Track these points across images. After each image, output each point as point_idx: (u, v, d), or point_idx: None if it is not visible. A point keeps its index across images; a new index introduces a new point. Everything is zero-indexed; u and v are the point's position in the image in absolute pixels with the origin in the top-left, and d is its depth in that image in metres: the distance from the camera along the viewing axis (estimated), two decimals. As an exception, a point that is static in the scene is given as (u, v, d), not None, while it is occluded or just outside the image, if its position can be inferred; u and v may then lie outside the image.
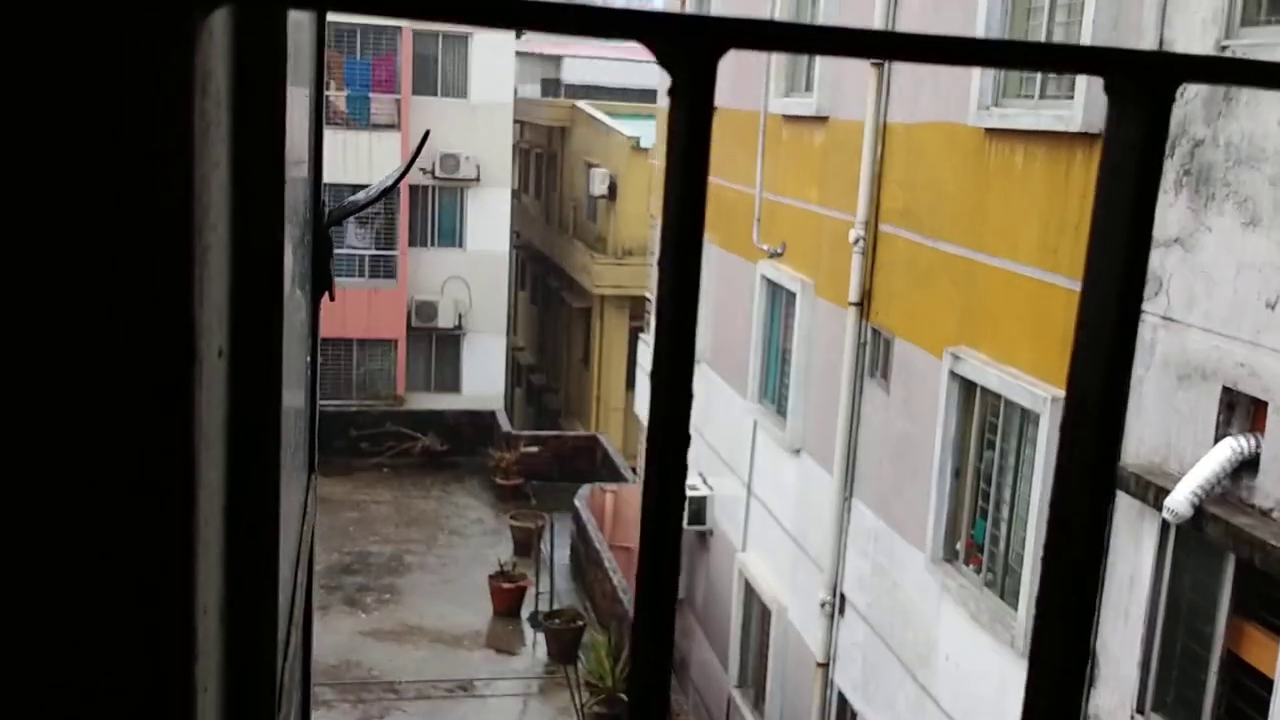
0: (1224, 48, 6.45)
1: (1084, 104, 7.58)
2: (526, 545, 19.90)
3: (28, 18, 0.41)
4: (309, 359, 1.78)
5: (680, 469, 0.47)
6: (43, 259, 0.44)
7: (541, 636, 17.53)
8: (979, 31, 8.83)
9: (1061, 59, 0.50)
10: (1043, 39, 8.40)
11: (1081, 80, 7.63)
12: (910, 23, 10.14)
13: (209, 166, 0.55)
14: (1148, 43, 6.99)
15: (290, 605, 1.30)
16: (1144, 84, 0.46)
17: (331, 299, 1.86)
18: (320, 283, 1.73)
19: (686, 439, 0.48)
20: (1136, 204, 0.47)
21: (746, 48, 0.44)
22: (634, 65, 34.29)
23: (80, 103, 0.43)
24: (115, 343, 0.45)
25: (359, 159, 25.30)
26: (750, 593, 13.65)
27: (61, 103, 0.42)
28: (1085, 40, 7.61)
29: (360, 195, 2.52)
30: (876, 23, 10.45)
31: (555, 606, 17.82)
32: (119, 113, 0.43)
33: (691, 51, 0.42)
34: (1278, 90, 0.51)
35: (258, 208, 0.76)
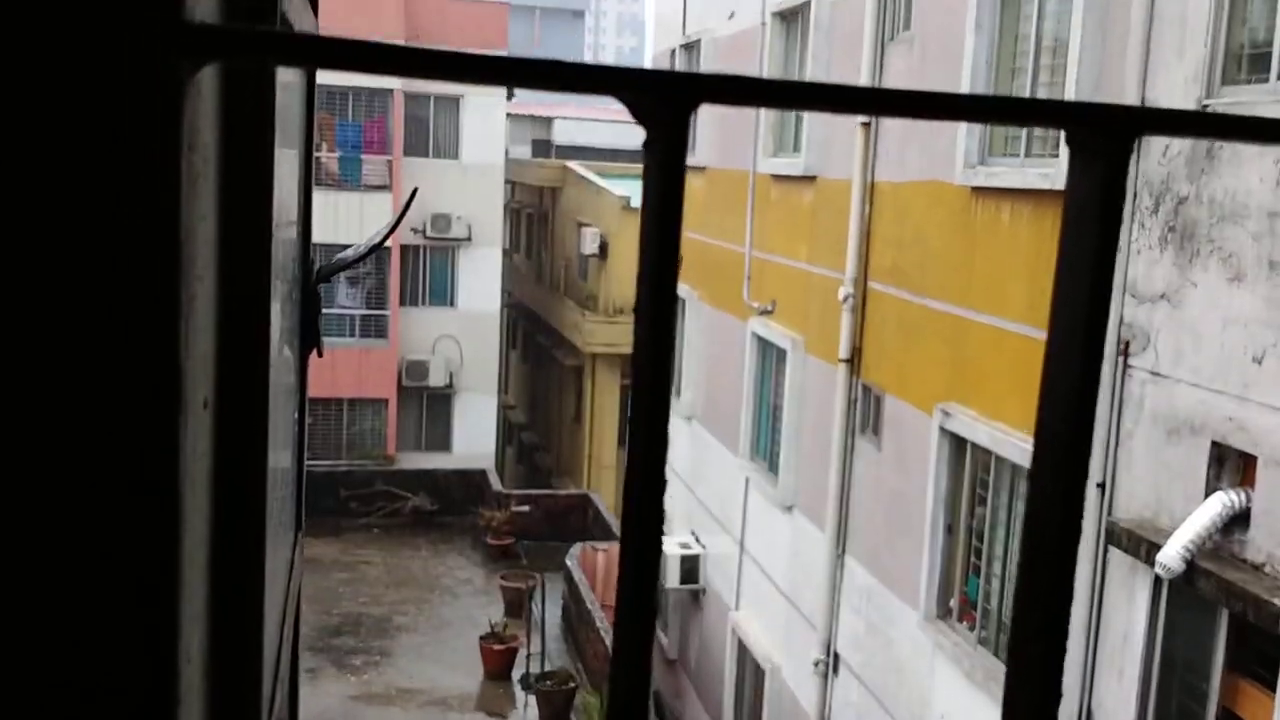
0: (1205, 106, 6.55)
1: (1068, 161, 7.66)
2: (517, 606, 19.73)
3: (18, 69, 0.42)
4: (296, 415, 1.79)
5: (658, 511, 0.47)
6: (32, 302, 0.45)
7: (533, 699, 17.32)
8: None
9: (1023, 112, 0.52)
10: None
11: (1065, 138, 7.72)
12: (896, 82, 10.27)
13: (196, 219, 0.56)
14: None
15: (275, 661, 1.29)
16: (1102, 136, 0.48)
17: (319, 355, 1.87)
18: (309, 339, 1.74)
19: (663, 483, 0.49)
20: (1098, 254, 0.48)
21: (717, 102, 0.45)
22: (624, 126, 34.63)
23: (69, 154, 0.44)
24: (101, 390, 0.46)
25: (350, 220, 25.41)
26: (743, 651, 13.53)
27: (52, 153, 0.43)
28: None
29: (349, 252, 2.53)
30: (864, 83, 10.59)
31: (547, 668, 17.64)
32: (107, 165, 0.45)
33: (664, 105, 0.43)
34: (1233, 141, 0.53)
35: (245, 261, 0.77)
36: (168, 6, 0.47)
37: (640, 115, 0.44)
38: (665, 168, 0.44)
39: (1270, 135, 0.52)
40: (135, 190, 0.45)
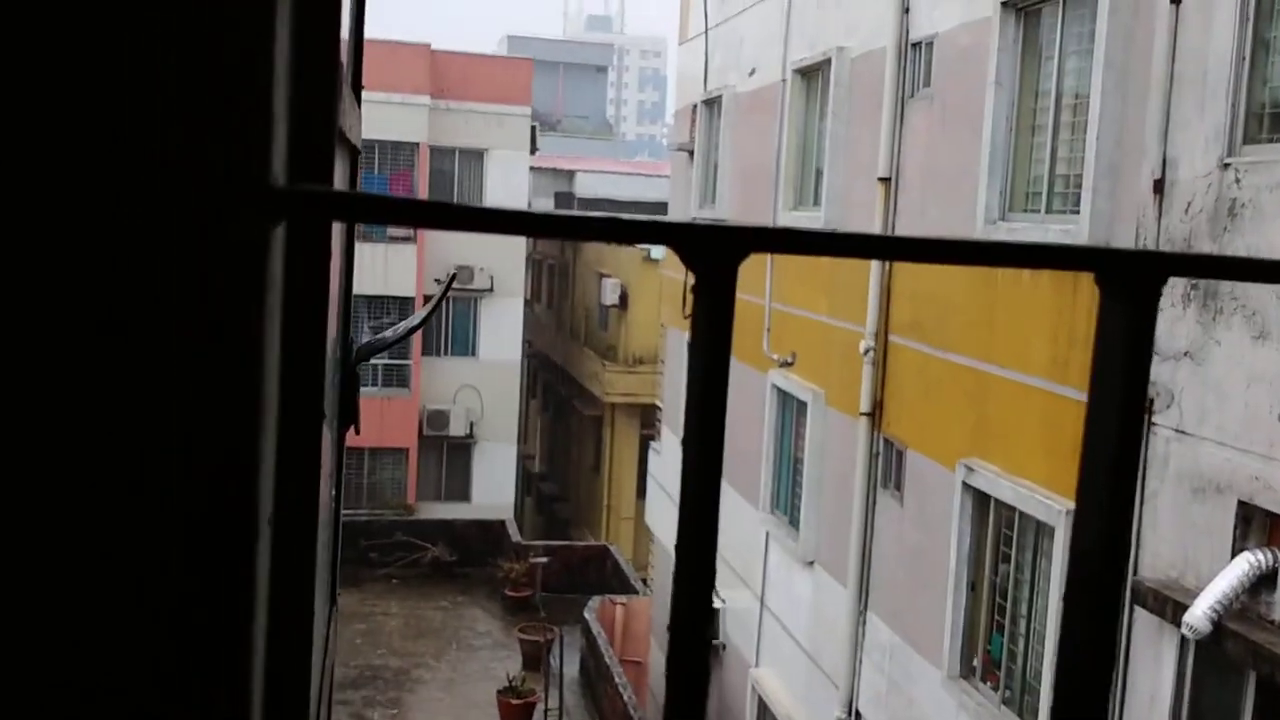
0: (1226, 165, 6.56)
1: (1090, 217, 7.68)
2: (535, 659, 19.61)
3: (119, 231, 0.46)
4: (334, 492, 1.81)
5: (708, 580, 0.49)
6: (132, 452, 0.48)
7: (551, 753, 17.16)
8: (984, 150, 8.99)
9: (1053, 257, 0.54)
10: (1046, 157, 8.56)
11: (1087, 194, 7.75)
12: (917, 142, 10.34)
13: (269, 355, 0.59)
14: (1151, 160, 7.12)
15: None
16: (1131, 278, 0.49)
17: (357, 433, 1.89)
18: (347, 418, 1.77)
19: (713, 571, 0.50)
20: (1127, 389, 0.50)
21: (764, 251, 0.48)
22: (644, 179, 34.89)
23: (167, 315, 0.47)
24: (182, 527, 0.49)
25: (375, 271, 25.63)
26: (764, 709, 13.40)
27: (154, 315, 0.47)
28: (1090, 157, 7.74)
29: (388, 333, 2.57)
30: (883, 145, 10.66)
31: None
32: (197, 321, 0.48)
33: (715, 255, 0.46)
34: (1258, 283, 0.54)
35: (302, 378, 0.79)
36: (257, 171, 0.51)
37: (691, 263, 0.46)
38: (713, 311, 0.46)
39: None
40: (222, 343, 0.48)
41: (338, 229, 1.44)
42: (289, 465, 0.79)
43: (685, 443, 0.49)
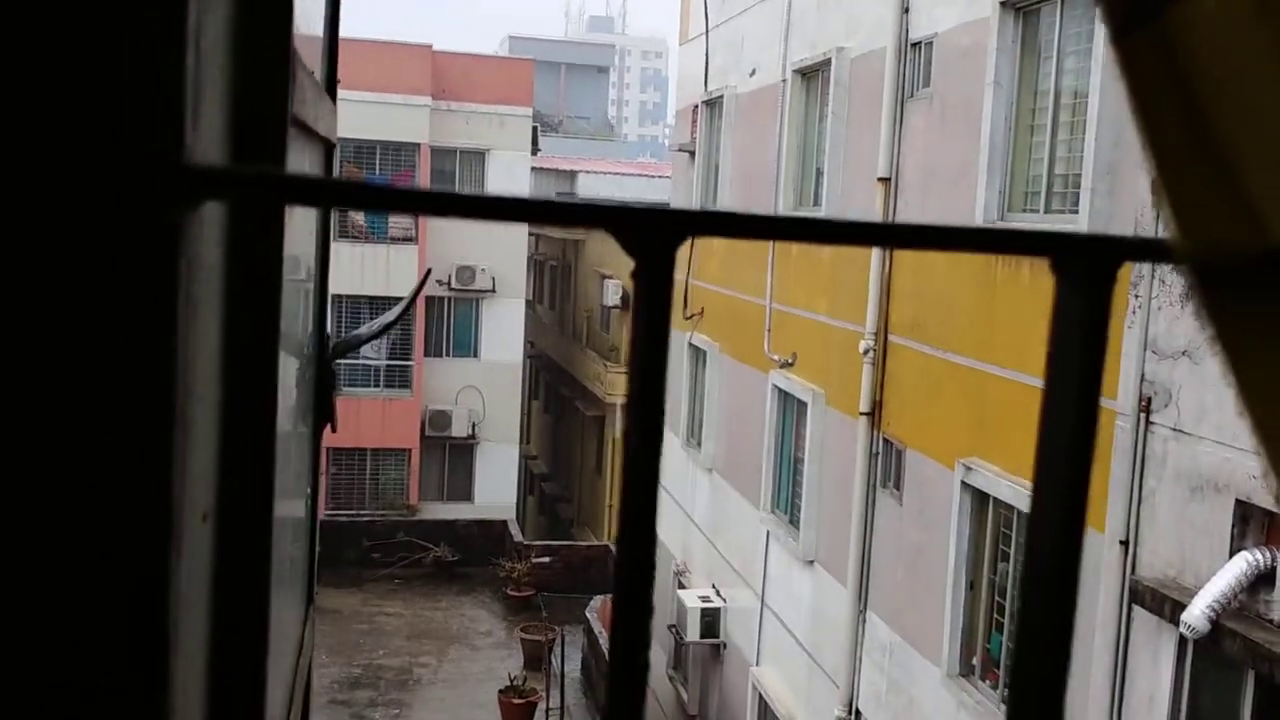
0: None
1: (1088, 216, 7.68)
2: (537, 659, 19.62)
3: (17, 207, 0.45)
4: (309, 491, 1.82)
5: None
6: (20, 444, 0.47)
7: (552, 753, 17.17)
8: (983, 150, 9.00)
9: (1008, 241, 0.54)
10: (1045, 156, 8.56)
11: (1085, 193, 7.75)
12: (916, 142, 10.34)
13: (196, 345, 0.59)
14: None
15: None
16: (1087, 263, 0.50)
17: (334, 430, 1.90)
18: (323, 416, 1.77)
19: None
20: (1083, 376, 0.50)
21: (703, 235, 0.48)
22: (646, 180, 34.90)
23: (67, 293, 0.47)
24: (90, 525, 0.48)
25: (377, 272, 25.65)
26: (764, 707, 13.40)
27: (49, 293, 0.46)
28: (1089, 156, 7.74)
29: (363, 330, 2.57)
30: (882, 145, 10.66)
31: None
32: (104, 302, 0.47)
33: (652, 240, 0.46)
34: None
35: (251, 366, 0.79)
36: (168, 151, 0.50)
37: (630, 248, 0.47)
38: (652, 296, 0.47)
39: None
40: (132, 327, 0.48)
41: (304, 218, 1.45)
42: (235, 461, 0.79)
43: (625, 433, 0.50)
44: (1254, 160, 0.46)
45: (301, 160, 1.32)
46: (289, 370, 1.33)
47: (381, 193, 0.48)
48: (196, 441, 0.63)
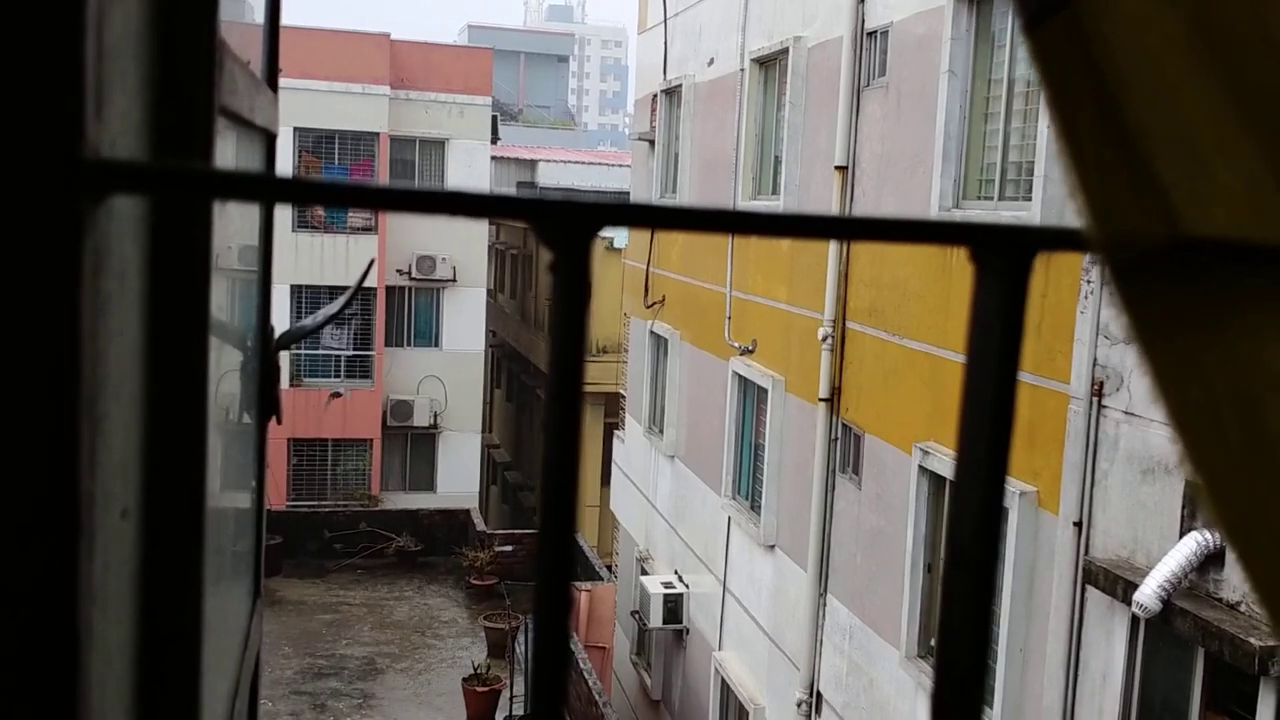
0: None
1: (1041, 204, 7.77)
2: (501, 647, 19.63)
3: None
4: (255, 483, 1.82)
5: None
6: None
7: (517, 741, 17.19)
8: (938, 138, 9.06)
9: (929, 232, 0.55)
10: (999, 145, 8.63)
11: (1039, 180, 7.84)
12: (872, 131, 10.40)
13: (108, 338, 0.60)
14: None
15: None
16: (1004, 254, 0.51)
17: (279, 423, 1.90)
18: (267, 408, 1.77)
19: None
20: (1001, 363, 0.51)
21: (617, 225, 0.50)
22: (606, 169, 34.84)
23: None
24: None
25: (336, 262, 25.48)
26: (727, 691, 13.49)
27: None
28: (1041, 144, 7.82)
29: (308, 320, 2.58)
30: (839, 133, 10.71)
31: (530, 710, 17.51)
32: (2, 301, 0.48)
33: (569, 232, 0.48)
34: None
35: (176, 364, 0.80)
36: (65, 144, 0.49)
37: (545, 240, 0.48)
38: (569, 287, 0.48)
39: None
40: (29, 320, 0.48)
41: (244, 208, 1.44)
42: (160, 456, 0.79)
43: (545, 427, 0.52)
44: (1165, 149, 0.46)
45: (236, 152, 1.32)
46: (229, 362, 1.33)
47: (292, 184, 0.49)
48: (110, 436, 0.64)
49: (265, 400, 1.74)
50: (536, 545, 0.52)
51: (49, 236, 0.48)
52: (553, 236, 0.49)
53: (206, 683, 0.93)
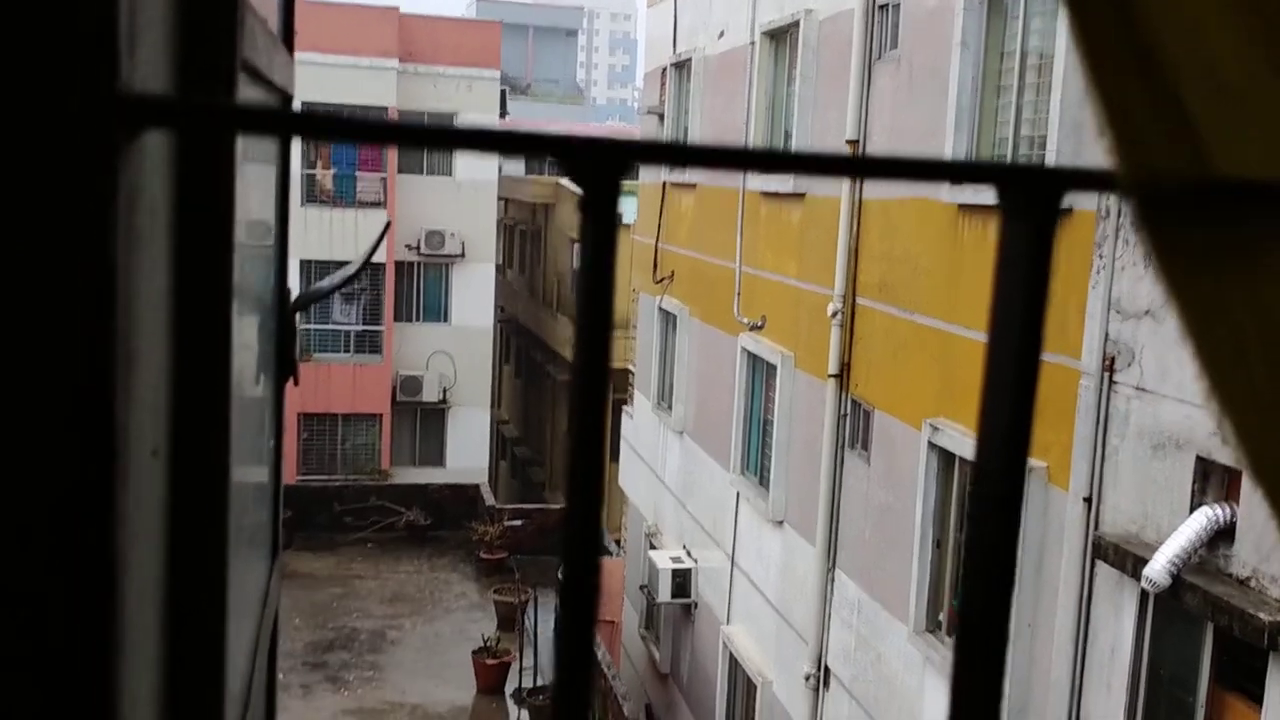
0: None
1: (1053, 179, 7.72)
2: (510, 620, 19.73)
3: None
4: (273, 443, 1.82)
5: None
6: None
7: (526, 713, 17.31)
8: (950, 111, 9.02)
9: (954, 172, 0.55)
10: (1011, 118, 8.59)
11: (1051, 153, 7.79)
12: (884, 104, 10.35)
13: (140, 277, 0.60)
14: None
15: (246, 692, 1.31)
16: (1032, 195, 0.51)
17: (295, 384, 1.91)
18: (284, 368, 1.78)
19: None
20: (1028, 308, 0.51)
21: (647, 162, 0.50)
22: (617, 141, 34.70)
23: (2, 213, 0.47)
24: (31, 452, 0.49)
25: (345, 236, 25.48)
26: (735, 665, 13.54)
27: None
28: (1054, 117, 7.77)
29: (324, 282, 2.58)
30: (850, 107, 10.66)
31: (540, 682, 17.63)
32: (40, 236, 0.48)
33: (597, 169, 0.47)
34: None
35: (201, 310, 0.80)
36: (102, 78, 0.51)
37: (576, 177, 0.48)
38: (598, 225, 0.48)
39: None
40: (68, 259, 0.49)
41: (262, 170, 1.44)
42: (188, 397, 0.80)
43: (573, 367, 0.51)
44: (1194, 85, 0.46)
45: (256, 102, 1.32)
46: (248, 322, 1.33)
47: (314, 120, 0.49)
48: (142, 372, 0.64)
49: (283, 360, 1.75)
50: (565, 482, 0.52)
51: (88, 168, 0.48)
52: (583, 174, 0.49)
53: (230, 632, 0.94)
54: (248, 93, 1.08)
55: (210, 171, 0.79)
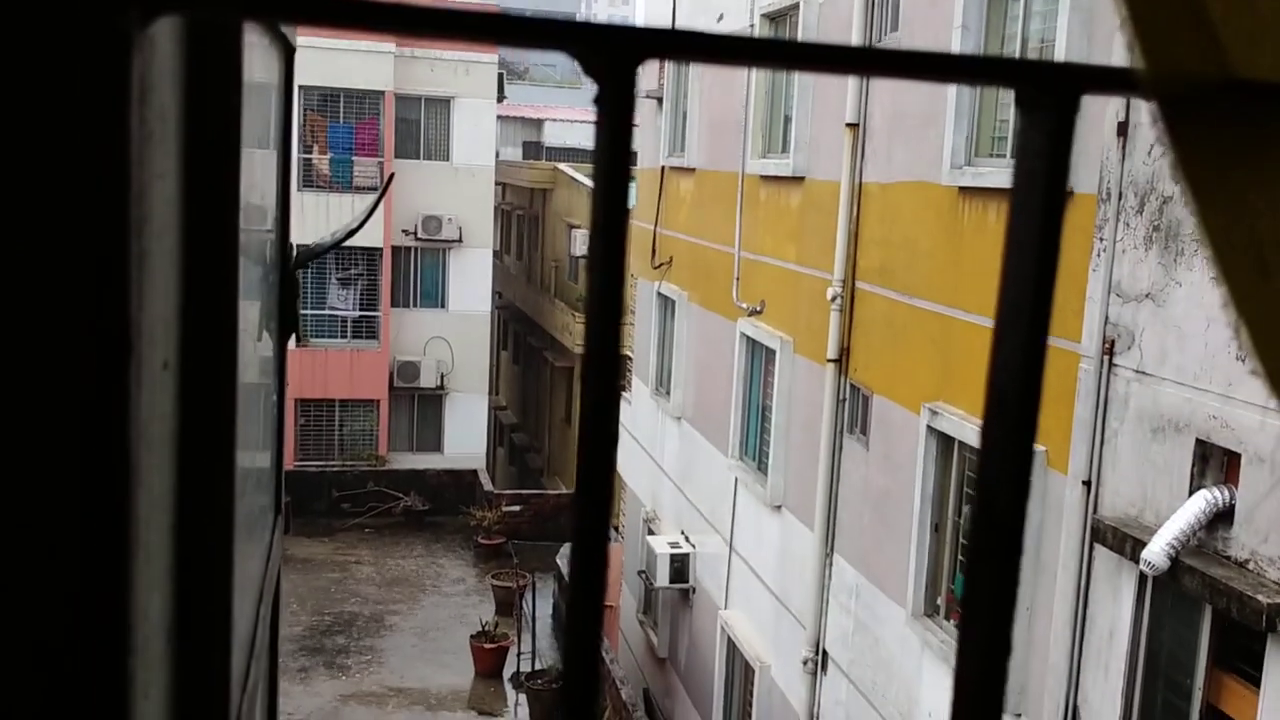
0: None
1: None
2: (508, 605, 19.76)
3: None
4: (276, 398, 1.81)
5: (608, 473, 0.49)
6: None
7: (524, 697, 17.34)
8: (951, 95, 8.99)
9: (969, 69, 0.53)
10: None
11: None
12: (883, 85, 10.31)
13: (150, 177, 0.58)
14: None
15: (251, 638, 1.31)
16: (1049, 93, 0.50)
17: (299, 342, 1.90)
18: (288, 323, 1.77)
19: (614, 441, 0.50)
20: (1046, 209, 0.50)
21: (664, 57, 0.48)
22: (615, 127, 34.66)
23: (9, 109, 0.46)
24: (45, 343, 0.48)
25: (342, 220, 25.39)
26: (733, 650, 13.57)
27: None
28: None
29: (326, 237, 2.56)
30: (850, 91, 10.62)
31: (538, 666, 17.67)
32: (50, 120, 0.47)
33: (613, 59, 0.46)
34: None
35: (211, 223, 0.79)
36: None
37: (589, 69, 0.46)
38: (613, 120, 0.46)
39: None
40: (81, 144, 0.48)
41: (263, 152, 1.43)
42: (197, 307, 0.79)
43: (589, 273, 0.50)
44: None
45: (261, 55, 1.30)
46: (252, 275, 1.32)
47: (323, 3, 0.47)
48: (154, 275, 0.63)
49: (286, 316, 1.74)
50: (580, 437, 0.50)
51: (101, 52, 0.46)
52: (597, 65, 0.47)
53: (236, 580, 0.93)
54: (252, 43, 1.06)
55: (222, 73, 0.77)
